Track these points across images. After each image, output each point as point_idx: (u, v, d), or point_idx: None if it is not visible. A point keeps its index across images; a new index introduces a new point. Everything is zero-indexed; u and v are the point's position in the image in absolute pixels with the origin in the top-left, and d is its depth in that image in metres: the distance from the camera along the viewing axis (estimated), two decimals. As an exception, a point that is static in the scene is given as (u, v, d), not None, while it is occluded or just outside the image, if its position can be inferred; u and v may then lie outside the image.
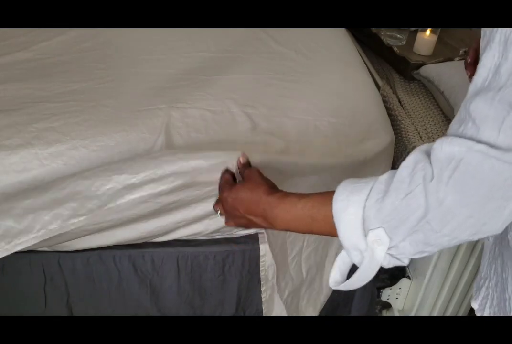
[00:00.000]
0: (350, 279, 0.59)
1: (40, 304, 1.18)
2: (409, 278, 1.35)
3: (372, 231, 0.53)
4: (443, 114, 1.33)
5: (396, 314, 1.43)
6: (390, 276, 1.35)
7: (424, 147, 0.54)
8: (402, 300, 1.39)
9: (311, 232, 0.63)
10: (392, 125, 1.21)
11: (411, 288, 1.35)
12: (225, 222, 0.79)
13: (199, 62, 1.22)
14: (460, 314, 1.31)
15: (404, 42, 1.54)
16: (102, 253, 1.13)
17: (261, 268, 1.18)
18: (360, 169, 1.15)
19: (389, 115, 1.24)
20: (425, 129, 1.34)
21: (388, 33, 1.55)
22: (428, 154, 0.52)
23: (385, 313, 1.48)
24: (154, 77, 1.18)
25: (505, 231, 0.67)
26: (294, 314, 1.21)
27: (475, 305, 0.79)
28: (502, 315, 0.70)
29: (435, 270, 1.22)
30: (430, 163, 0.50)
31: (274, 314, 1.22)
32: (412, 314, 1.35)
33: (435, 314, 1.29)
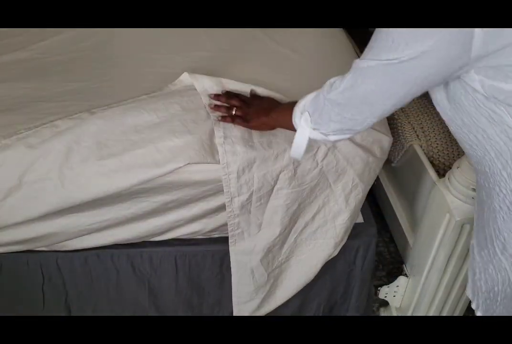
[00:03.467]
0: (292, 146, 0.90)
1: (38, 304, 1.18)
2: (407, 276, 1.35)
3: (303, 114, 0.86)
4: (439, 113, 1.33)
5: (394, 312, 1.43)
6: (387, 274, 1.36)
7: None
8: (399, 298, 1.39)
9: (287, 128, 0.97)
10: (389, 124, 1.22)
11: (409, 286, 1.35)
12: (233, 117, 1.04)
13: (196, 62, 1.22)
14: (457, 311, 1.32)
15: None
16: (100, 253, 1.13)
17: (259, 267, 1.18)
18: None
19: (386, 113, 1.25)
20: (422, 128, 1.35)
21: (385, 32, 1.55)
22: None
23: (382, 311, 1.48)
24: (151, 77, 1.18)
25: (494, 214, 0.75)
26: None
27: (468, 290, 0.90)
28: (489, 282, 0.82)
29: (432, 268, 1.22)
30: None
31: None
32: (410, 312, 1.35)
33: (432, 311, 1.30)
